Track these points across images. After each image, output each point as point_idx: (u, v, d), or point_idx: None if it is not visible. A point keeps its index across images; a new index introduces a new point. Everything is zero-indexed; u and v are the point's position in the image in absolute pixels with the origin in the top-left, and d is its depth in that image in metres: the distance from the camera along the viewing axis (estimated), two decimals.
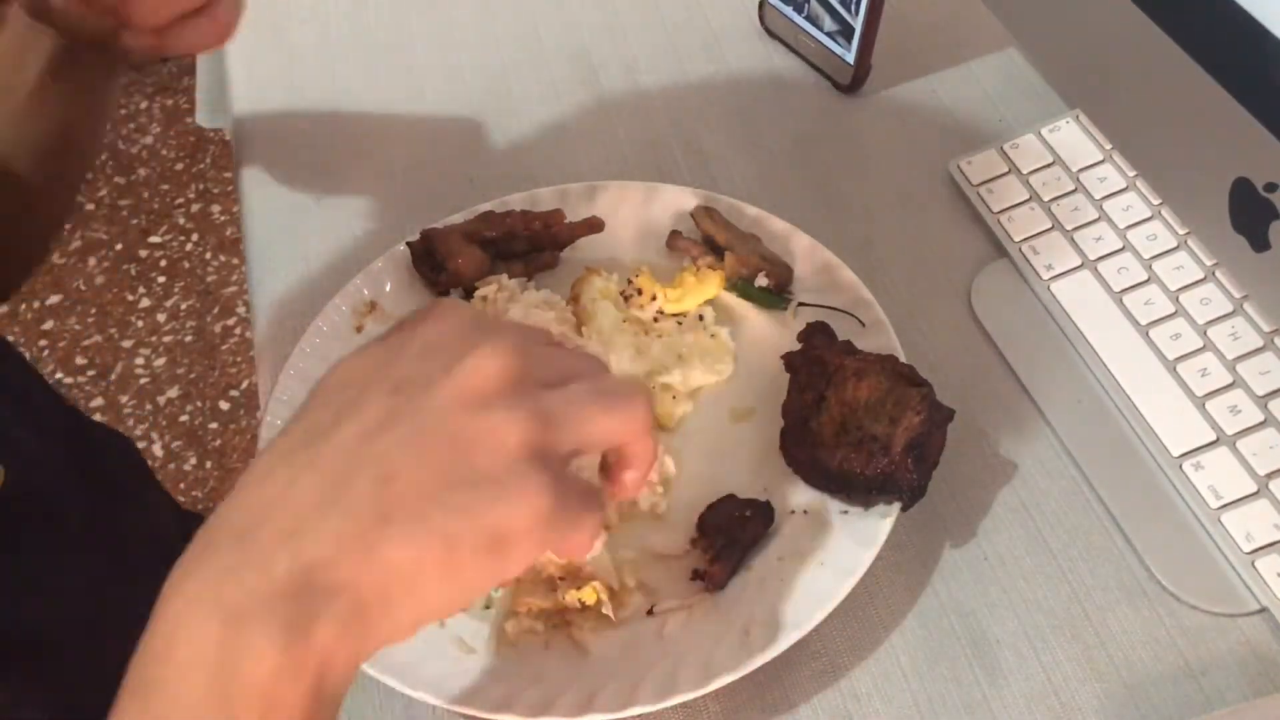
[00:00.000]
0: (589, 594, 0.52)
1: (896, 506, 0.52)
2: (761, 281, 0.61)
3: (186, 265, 1.97)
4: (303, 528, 0.35)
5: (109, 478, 0.70)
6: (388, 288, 0.64)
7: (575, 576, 0.52)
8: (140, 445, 1.73)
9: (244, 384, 1.80)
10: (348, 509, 0.35)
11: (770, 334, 0.61)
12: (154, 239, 2.01)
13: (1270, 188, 0.49)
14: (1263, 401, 0.55)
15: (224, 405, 1.78)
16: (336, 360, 0.40)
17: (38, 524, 0.56)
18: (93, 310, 1.91)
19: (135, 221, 2.04)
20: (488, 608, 0.53)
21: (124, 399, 1.79)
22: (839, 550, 0.52)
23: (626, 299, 0.63)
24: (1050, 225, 0.64)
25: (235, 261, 1.97)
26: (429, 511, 0.35)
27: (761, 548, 0.53)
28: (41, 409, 0.66)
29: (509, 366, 0.37)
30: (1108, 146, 0.66)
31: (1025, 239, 0.64)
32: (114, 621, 0.59)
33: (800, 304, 0.62)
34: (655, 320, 0.62)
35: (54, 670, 0.55)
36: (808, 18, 0.74)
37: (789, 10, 0.75)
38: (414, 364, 0.38)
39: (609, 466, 0.41)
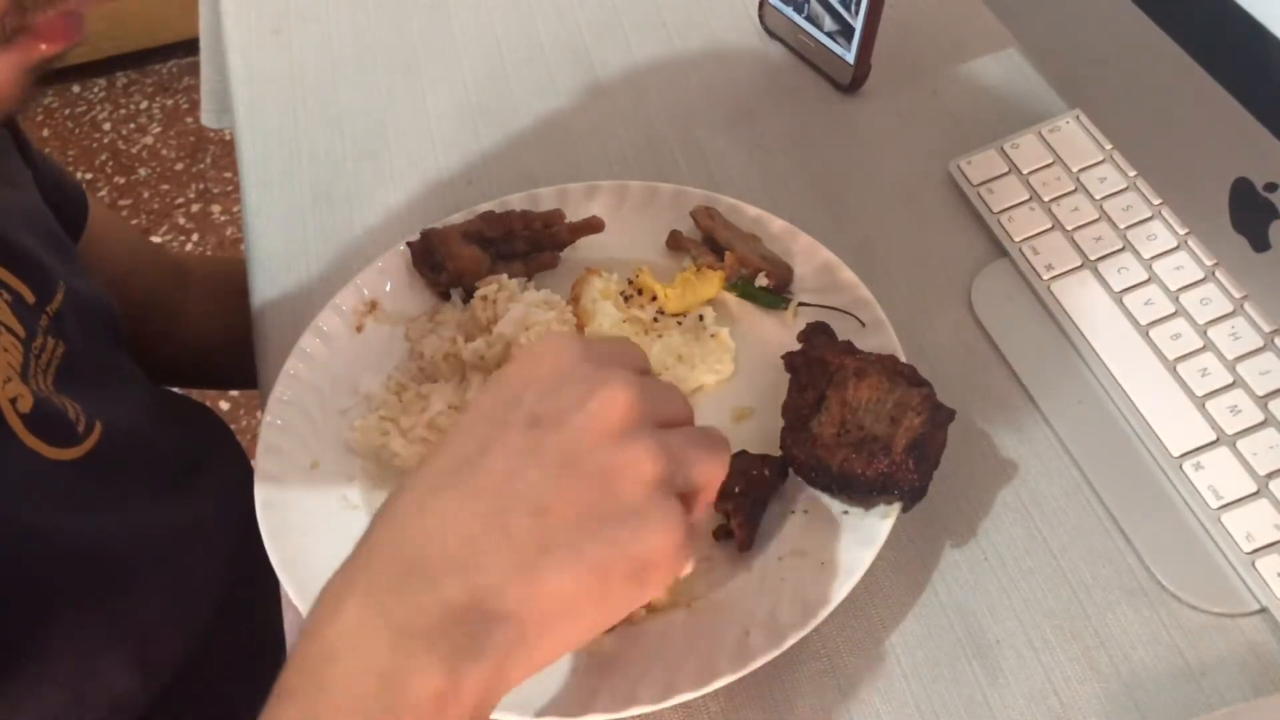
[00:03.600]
0: None
1: (897, 506, 0.52)
2: (761, 281, 0.61)
3: None
4: (470, 558, 0.38)
5: (190, 434, 0.71)
6: (388, 288, 0.64)
7: None
8: None
9: None
10: (510, 540, 0.38)
11: (770, 334, 0.61)
12: (154, 239, 2.01)
13: (1270, 188, 0.49)
14: (1263, 401, 0.55)
15: (224, 405, 1.78)
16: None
17: (127, 473, 0.58)
18: None
19: (135, 221, 2.04)
20: None
21: None
22: (839, 550, 0.52)
23: (626, 299, 0.63)
24: (1050, 225, 0.64)
25: None
26: (583, 542, 0.38)
27: (762, 547, 0.53)
28: (132, 374, 0.68)
29: (633, 400, 0.40)
30: (1108, 146, 0.66)
31: (1025, 239, 0.64)
32: (182, 560, 0.60)
33: (800, 304, 0.61)
34: (655, 320, 0.62)
35: (127, 599, 0.57)
36: (808, 18, 0.74)
37: (789, 10, 0.75)
38: (544, 400, 0.40)
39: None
